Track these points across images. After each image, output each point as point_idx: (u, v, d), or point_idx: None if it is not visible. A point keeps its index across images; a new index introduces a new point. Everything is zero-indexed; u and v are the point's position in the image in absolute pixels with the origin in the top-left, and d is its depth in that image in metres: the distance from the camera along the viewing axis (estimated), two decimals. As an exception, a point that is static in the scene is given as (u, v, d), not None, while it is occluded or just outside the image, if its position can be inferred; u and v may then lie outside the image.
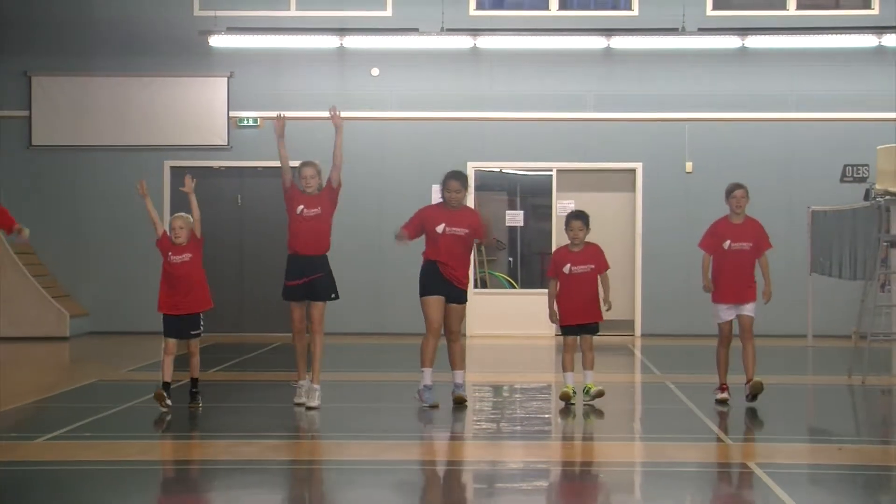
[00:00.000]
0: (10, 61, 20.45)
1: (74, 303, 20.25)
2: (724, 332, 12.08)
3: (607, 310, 12.10)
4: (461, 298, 12.01)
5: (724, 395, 11.93)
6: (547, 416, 12.09)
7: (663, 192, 20.47)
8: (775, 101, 20.36)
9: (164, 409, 11.23)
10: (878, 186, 14.67)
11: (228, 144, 20.35)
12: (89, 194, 20.23)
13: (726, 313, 12.02)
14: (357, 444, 9.90)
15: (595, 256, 12.00)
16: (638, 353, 17.77)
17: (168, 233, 11.61)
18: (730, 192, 12.01)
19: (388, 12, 20.55)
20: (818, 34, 19.85)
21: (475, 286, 20.64)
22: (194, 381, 11.65)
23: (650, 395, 13.58)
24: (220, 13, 20.21)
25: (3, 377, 15.41)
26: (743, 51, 20.33)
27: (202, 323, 11.68)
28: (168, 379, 11.45)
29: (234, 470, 8.97)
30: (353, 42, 20.23)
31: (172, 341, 11.63)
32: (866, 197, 15.60)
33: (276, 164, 11.70)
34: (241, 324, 19.92)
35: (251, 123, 20.39)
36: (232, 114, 20.52)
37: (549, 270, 12.25)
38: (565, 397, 11.84)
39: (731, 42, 20.09)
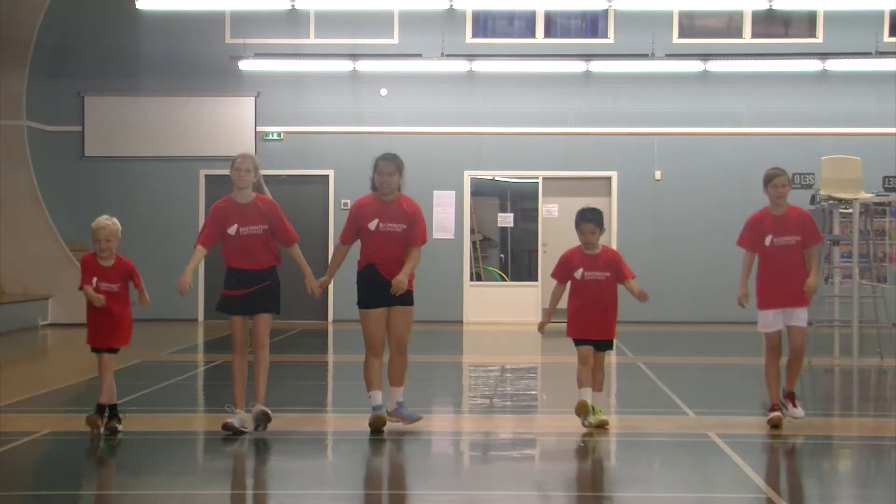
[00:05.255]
0: (65, 83, 20.46)
1: (121, 293, 20.21)
2: (771, 344, 9.25)
3: (643, 298, 9.37)
4: (406, 300, 8.94)
5: (777, 413, 9.17)
6: (533, 392, 12.10)
7: (635, 196, 20.52)
8: (733, 118, 20.41)
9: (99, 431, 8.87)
10: (822, 192, 14.65)
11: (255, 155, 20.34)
12: (134, 199, 20.23)
13: (774, 321, 9.23)
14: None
15: (612, 263, 9.37)
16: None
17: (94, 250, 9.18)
18: (769, 179, 9.15)
19: (395, 40, 20.58)
20: (770, 59, 19.90)
21: (471, 279, 20.71)
22: (112, 409, 8.96)
23: (624, 374, 13.60)
24: (248, 41, 20.23)
25: (60, 358, 15.47)
26: (705, 74, 20.35)
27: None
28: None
29: (262, 439, 8.99)
30: (364, 66, 20.25)
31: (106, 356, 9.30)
32: (812, 201, 15.59)
33: (299, 172, 9.58)
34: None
35: (275, 137, 20.39)
36: (259, 129, 20.53)
37: (554, 271, 9.37)
38: (582, 410, 9.06)
39: (695, 66, 20.12)
